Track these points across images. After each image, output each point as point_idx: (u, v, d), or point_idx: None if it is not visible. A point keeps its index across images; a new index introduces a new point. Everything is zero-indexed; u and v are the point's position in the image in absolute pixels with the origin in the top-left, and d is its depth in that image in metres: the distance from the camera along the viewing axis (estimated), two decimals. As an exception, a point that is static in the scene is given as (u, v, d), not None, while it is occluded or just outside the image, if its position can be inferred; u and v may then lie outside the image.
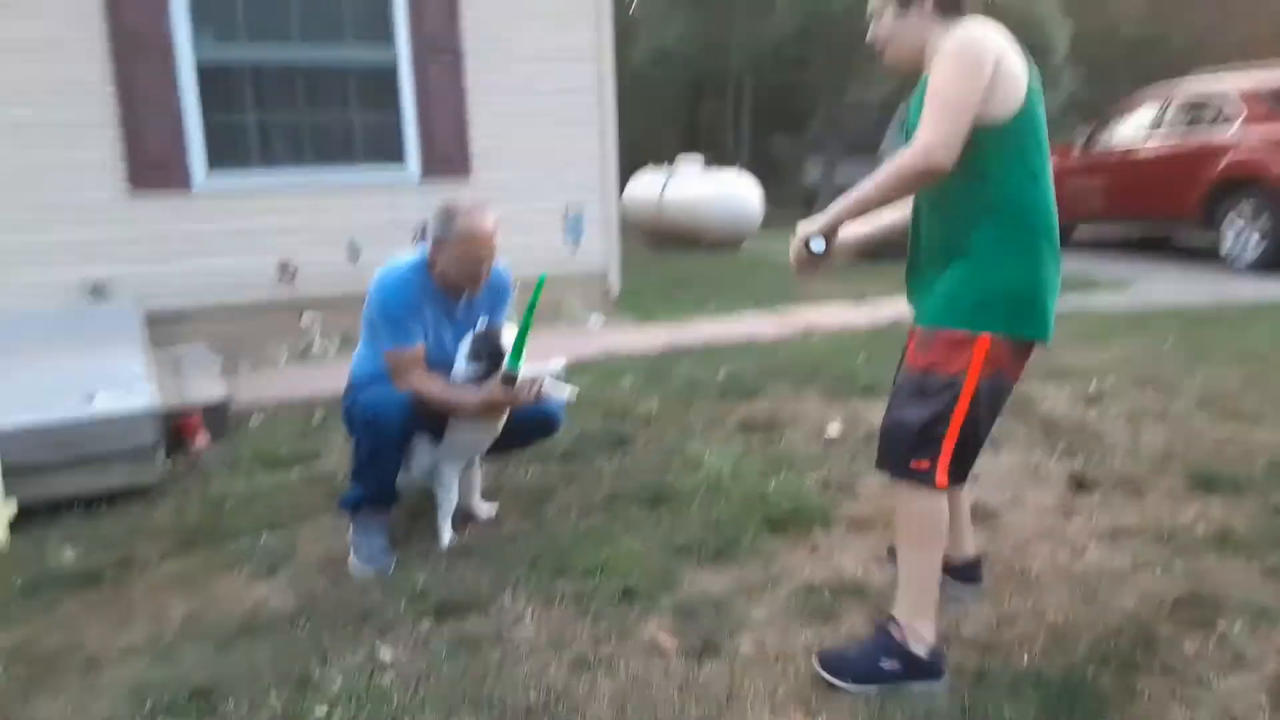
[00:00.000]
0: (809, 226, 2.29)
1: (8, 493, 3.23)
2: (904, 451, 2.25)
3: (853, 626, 2.56)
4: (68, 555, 3.09)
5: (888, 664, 2.27)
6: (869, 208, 2.20)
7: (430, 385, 3.04)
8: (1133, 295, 7.32)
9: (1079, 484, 3.39)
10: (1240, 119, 8.50)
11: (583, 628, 2.59)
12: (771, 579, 2.84)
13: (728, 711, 2.23)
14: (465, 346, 3.06)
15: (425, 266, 3.09)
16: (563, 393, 3.13)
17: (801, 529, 3.14)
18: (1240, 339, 5.41)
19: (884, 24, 2.30)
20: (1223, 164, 8.51)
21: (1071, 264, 8.89)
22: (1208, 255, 8.78)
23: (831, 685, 2.28)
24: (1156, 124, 9.50)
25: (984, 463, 3.61)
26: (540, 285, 3.00)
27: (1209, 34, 27.18)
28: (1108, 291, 7.55)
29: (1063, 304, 6.39)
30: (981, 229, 2.18)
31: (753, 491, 3.39)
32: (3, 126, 5.37)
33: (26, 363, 4.14)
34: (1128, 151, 9.73)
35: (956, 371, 2.18)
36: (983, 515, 3.18)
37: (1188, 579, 2.73)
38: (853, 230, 2.48)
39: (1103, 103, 12.23)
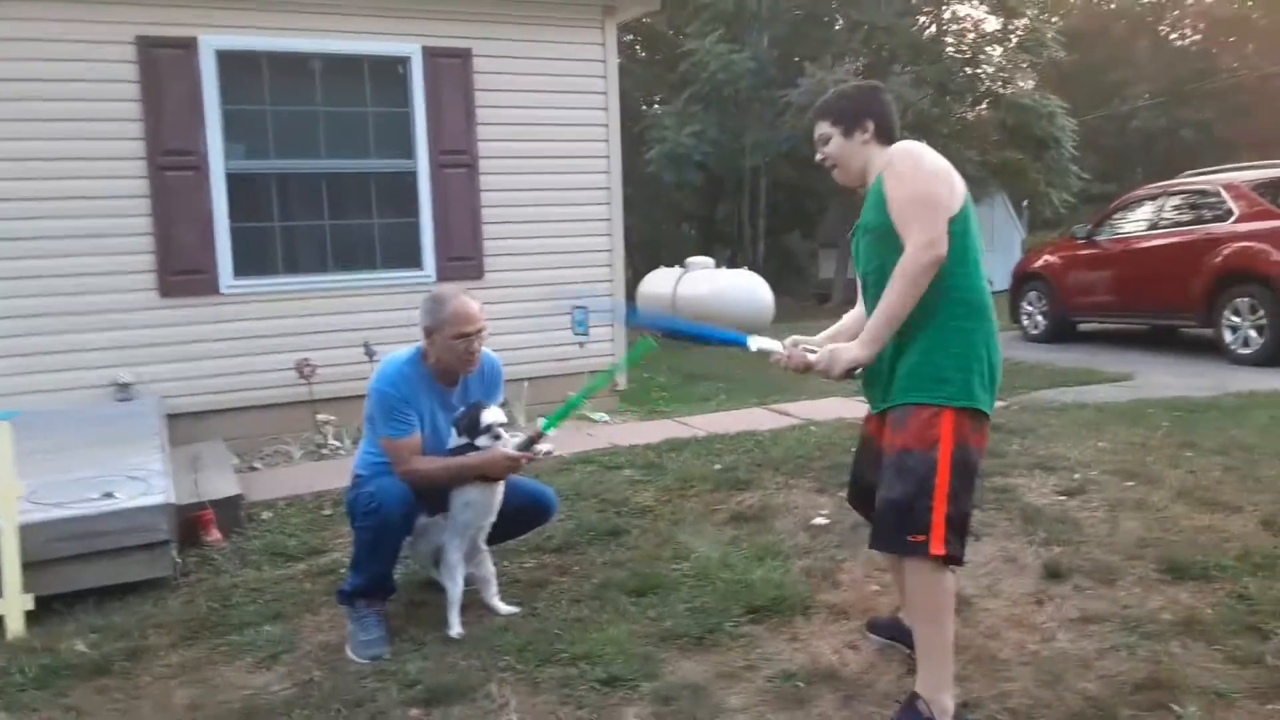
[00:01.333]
0: (858, 353, 2.49)
1: (26, 586, 3.40)
2: (898, 529, 2.46)
3: (824, 712, 2.65)
4: (80, 645, 3.23)
5: None
6: (901, 317, 2.45)
7: (430, 465, 3.23)
8: (1133, 388, 7.41)
9: (1053, 573, 3.48)
10: (1236, 215, 8.70)
11: (565, 714, 2.69)
12: (750, 665, 2.94)
13: (697, 794, 2.32)
14: (455, 415, 3.30)
15: (420, 359, 3.31)
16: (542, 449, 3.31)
17: (783, 616, 3.24)
18: (1229, 430, 5.49)
19: (832, 148, 2.71)
20: (1220, 259, 8.67)
21: (1078, 356, 9.12)
22: (1212, 348, 8.87)
23: None
24: (1155, 220, 9.72)
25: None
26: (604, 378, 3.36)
27: (1220, 127, 27.74)
28: (1109, 384, 7.65)
29: (1063, 396, 6.50)
30: (932, 315, 2.47)
31: (738, 580, 3.50)
32: (41, 235, 5.72)
33: (51, 459, 4.36)
34: (1128, 246, 9.92)
35: (929, 446, 2.42)
36: (958, 603, 3.26)
37: (1150, 664, 2.81)
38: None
39: (1118, 194, 12.50)
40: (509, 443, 3.24)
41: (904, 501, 2.43)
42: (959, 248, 2.46)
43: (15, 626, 3.35)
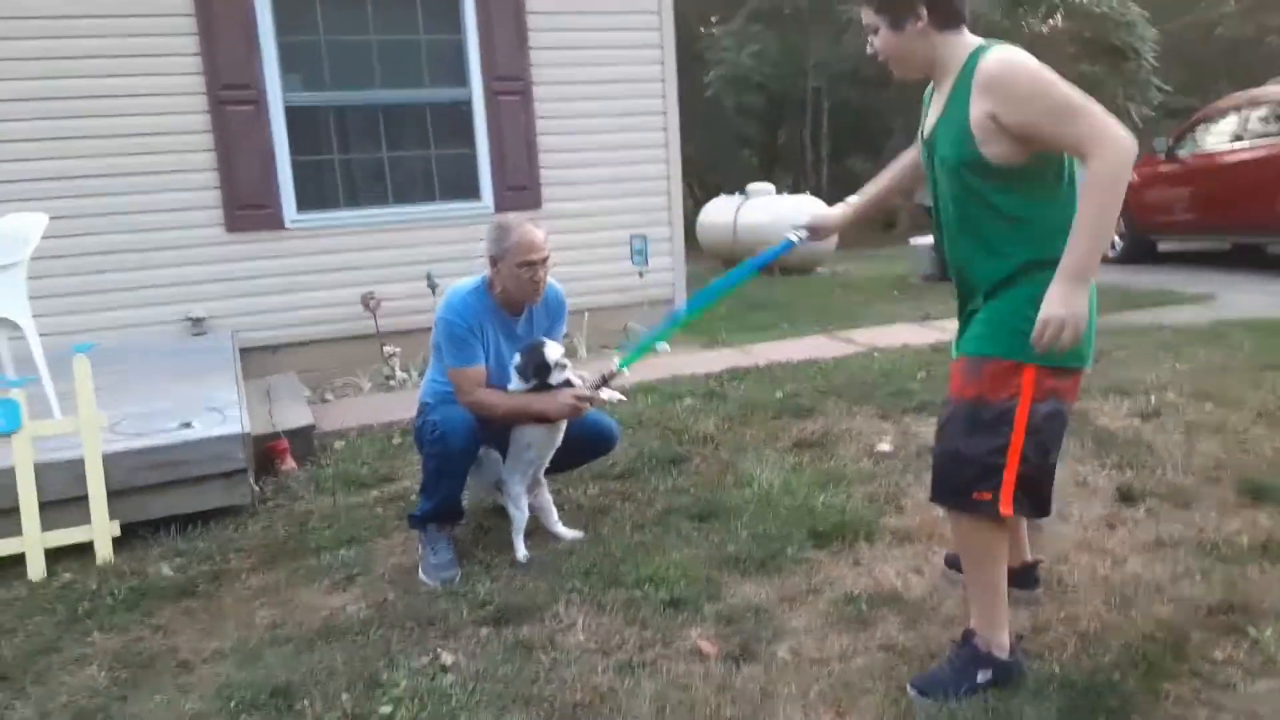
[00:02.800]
0: (1080, 291, 2.10)
1: (112, 514, 3.54)
2: (964, 483, 2.28)
3: (886, 634, 2.66)
4: (165, 569, 3.38)
5: (983, 676, 2.33)
6: (1111, 231, 2.14)
7: (494, 398, 3.27)
8: (1214, 308, 7.15)
9: (1126, 496, 3.41)
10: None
11: (630, 634, 2.74)
12: (813, 589, 2.95)
13: (761, 711, 2.35)
14: (515, 362, 3.28)
15: (486, 289, 3.32)
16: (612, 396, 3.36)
17: (846, 541, 3.24)
18: (1316, 350, 5.29)
19: (882, 41, 2.31)
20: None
21: (1156, 277, 8.84)
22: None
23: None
24: (1239, 132, 9.26)
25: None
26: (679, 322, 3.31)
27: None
28: (1189, 305, 7.40)
29: (1140, 319, 6.34)
30: (1024, 259, 2.21)
31: (801, 506, 3.51)
32: (110, 173, 5.84)
33: (131, 392, 4.51)
34: (1210, 161, 9.49)
35: (1007, 400, 2.20)
36: (1028, 527, 3.22)
37: (1225, 588, 2.75)
38: (854, 204, 2.82)
39: (1201, 107, 11.90)
40: (584, 382, 3.25)
41: (972, 456, 2.23)
42: (1052, 188, 2.20)
43: (104, 552, 3.51)
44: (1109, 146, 2.01)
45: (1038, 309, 2.10)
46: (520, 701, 2.43)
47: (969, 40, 2.25)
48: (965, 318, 2.43)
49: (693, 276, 7.54)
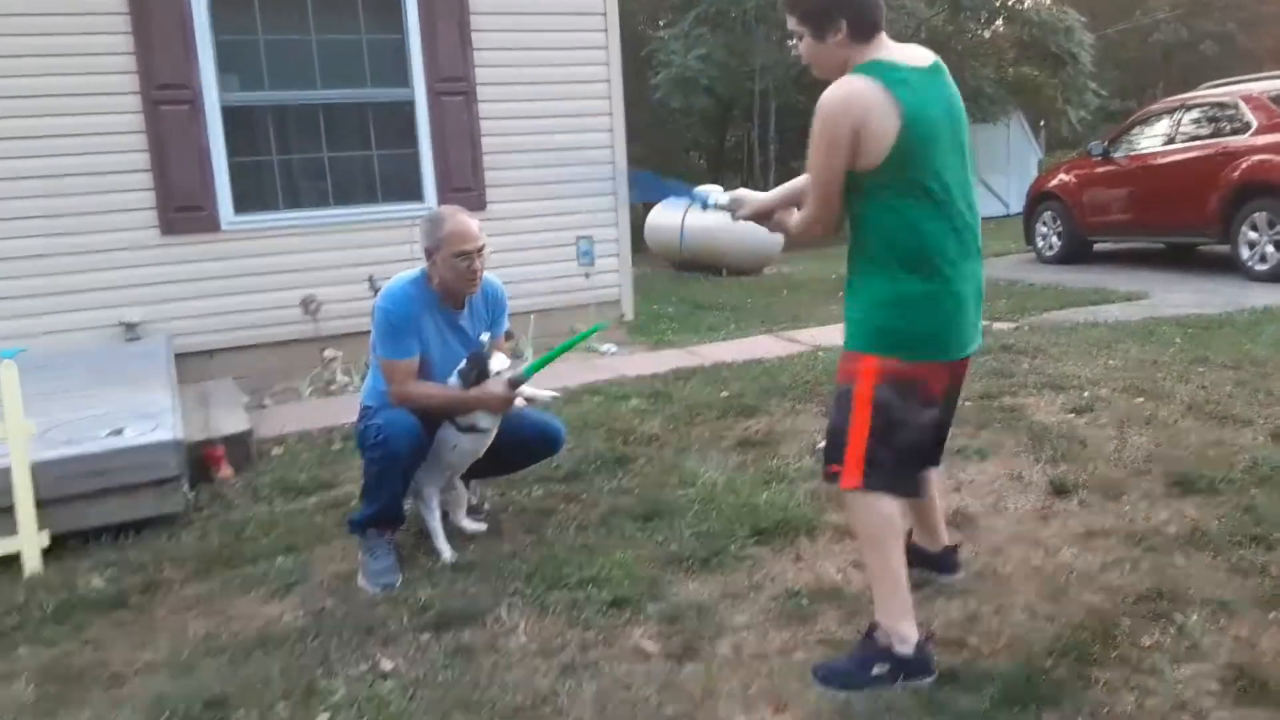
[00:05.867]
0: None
1: (41, 524, 3.44)
2: (824, 456, 2.51)
3: (827, 628, 2.68)
4: (96, 581, 3.29)
5: (878, 669, 2.37)
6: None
7: (427, 390, 3.24)
8: (1147, 306, 7.33)
9: (1059, 489, 3.48)
10: (1255, 127, 8.49)
11: (572, 636, 2.73)
12: (754, 585, 2.97)
13: (702, 709, 2.36)
14: (460, 366, 3.25)
15: (425, 280, 3.29)
16: (543, 396, 3.39)
17: (788, 538, 3.26)
18: (1241, 345, 5.44)
19: (803, 48, 2.46)
20: (1238, 173, 8.48)
21: (1092, 276, 9.03)
22: (1229, 265, 8.72)
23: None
24: (1172, 135, 9.50)
25: (970, 470, 3.73)
26: (590, 332, 3.51)
27: (1242, 38, 26.97)
28: (1123, 303, 7.57)
29: (1075, 316, 6.47)
30: (859, 263, 2.45)
31: (744, 504, 3.52)
32: (40, 175, 5.68)
33: (61, 400, 4.39)
34: (1144, 163, 9.72)
35: (850, 384, 2.42)
36: (962, 521, 3.29)
37: (1153, 576, 2.82)
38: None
39: (1137, 110, 12.18)
40: (504, 374, 3.24)
41: (832, 432, 2.47)
42: (878, 197, 2.33)
43: (33, 563, 3.40)
44: (803, 223, 2.52)
45: (878, 312, 2.39)
46: (460, 706, 2.41)
47: (871, 51, 2.37)
48: None
49: (641, 277, 7.56)
